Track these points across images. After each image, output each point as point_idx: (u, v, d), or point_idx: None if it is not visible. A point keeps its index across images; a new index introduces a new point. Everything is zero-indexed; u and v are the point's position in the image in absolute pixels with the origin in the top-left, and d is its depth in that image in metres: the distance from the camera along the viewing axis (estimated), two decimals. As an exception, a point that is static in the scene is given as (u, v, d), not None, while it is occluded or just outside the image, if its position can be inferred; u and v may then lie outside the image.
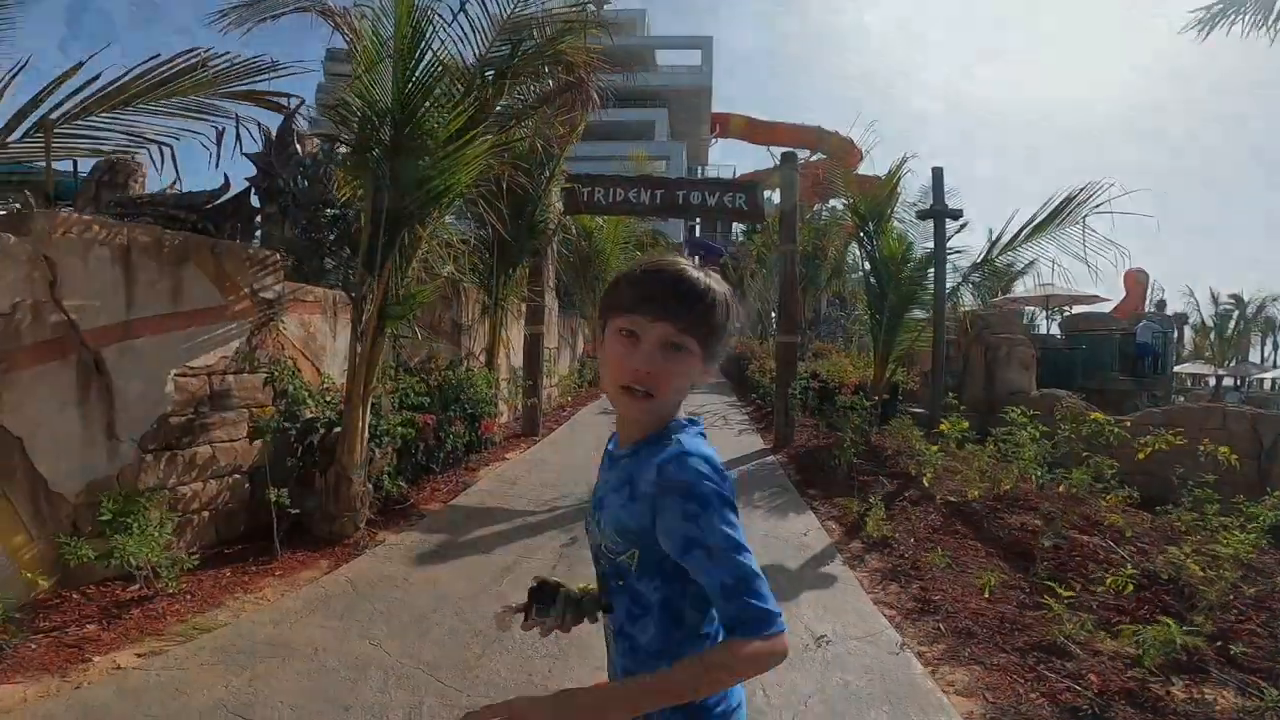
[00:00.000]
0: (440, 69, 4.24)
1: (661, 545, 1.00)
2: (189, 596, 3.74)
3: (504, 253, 8.13)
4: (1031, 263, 9.74)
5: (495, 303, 8.16)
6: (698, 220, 44.01)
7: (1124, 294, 27.23)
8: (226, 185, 6.19)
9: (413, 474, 6.04)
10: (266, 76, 3.85)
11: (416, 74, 4.16)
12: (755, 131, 38.45)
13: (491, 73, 4.74)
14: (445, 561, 4.41)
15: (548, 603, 1.20)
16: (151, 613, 3.52)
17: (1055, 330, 25.35)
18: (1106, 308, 22.69)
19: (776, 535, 5.08)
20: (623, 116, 35.96)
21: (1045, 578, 4.06)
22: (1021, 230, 8.42)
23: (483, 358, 8.49)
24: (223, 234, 5.79)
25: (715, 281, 1.04)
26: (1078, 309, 22.37)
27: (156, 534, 3.64)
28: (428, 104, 4.27)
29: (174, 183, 8.29)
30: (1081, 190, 7.87)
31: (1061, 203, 8.08)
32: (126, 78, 3.41)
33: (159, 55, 3.46)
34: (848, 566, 4.45)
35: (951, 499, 5.53)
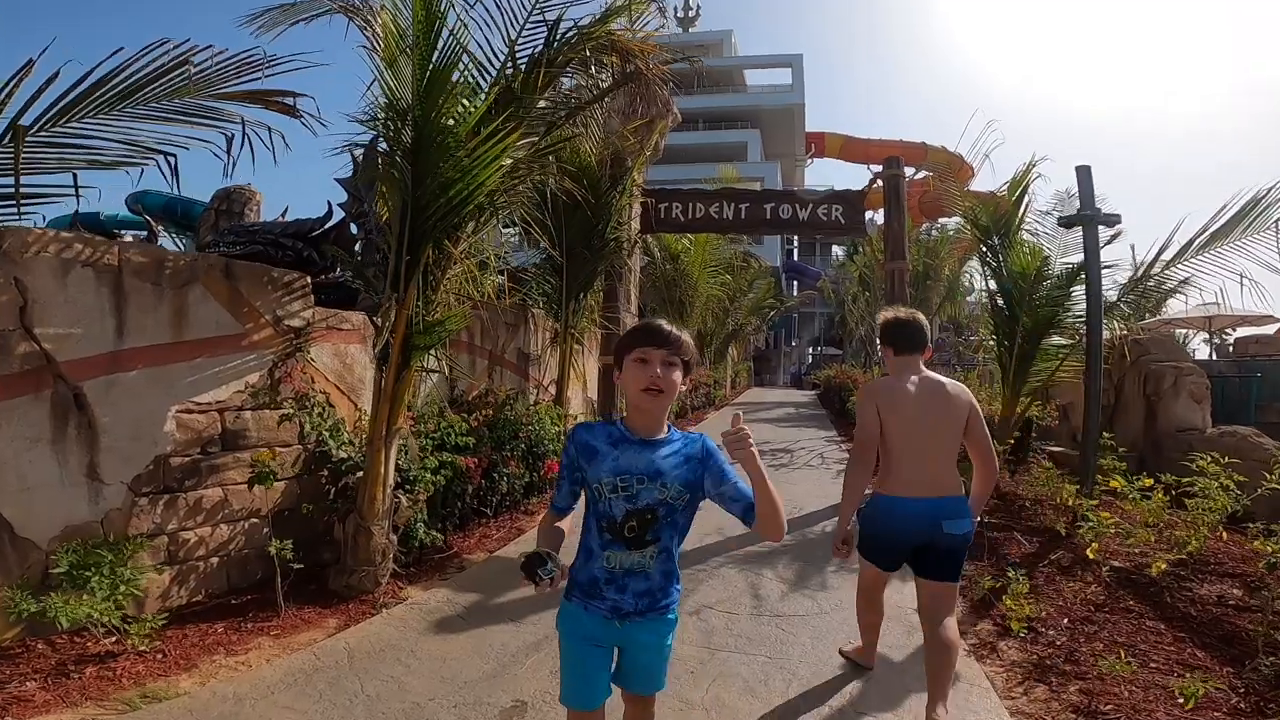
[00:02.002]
0: (459, 51, 3.68)
1: (705, 485, 1.76)
2: (161, 656, 3.25)
3: (573, 276, 7.54)
4: (1185, 280, 8.13)
5: (565, 330, 7.56)
6: (795, 242, 42.75)
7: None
8: (330, 213, 6.06)
9: (460, 518, 5.45)
10: (259, 75, 3.42)
11: (433, 61, 3.61)
12: (853, 150, 36.81)
13: (525, 59, 4.15)
14: (466, 630, 3.70)
15: (542, 562, 1.58)
16: (107, 673, 3.03)
17: (1210, 355, 22.02)
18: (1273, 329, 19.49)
19: (879, 609, 4.03)
20: (714, 139, 35.67)
21: (1272, 676, 2.87)
22: (1195, 239, 6.90)
23: (552, 390, 7.90)
24: (325, 260, 5.66)
25: (683, 331, 1.79)
26: (1243, 331, 19.35)
27: (123, 588, 3.15)
28: (445, 93, 3.71)
29: (284, 211, 8.39)
30: (1272, 189, 6.34)
31: (1247, 204, 6.54)
32: (91, 79, 3.04)
33: (122, 49, 3.07)
34: (974, 658, 3.36)
35: (1115, 563, 4.26)
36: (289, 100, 3.65)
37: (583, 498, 1.84)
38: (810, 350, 42.85)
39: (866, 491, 2.88)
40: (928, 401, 2.73)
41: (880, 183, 8.93)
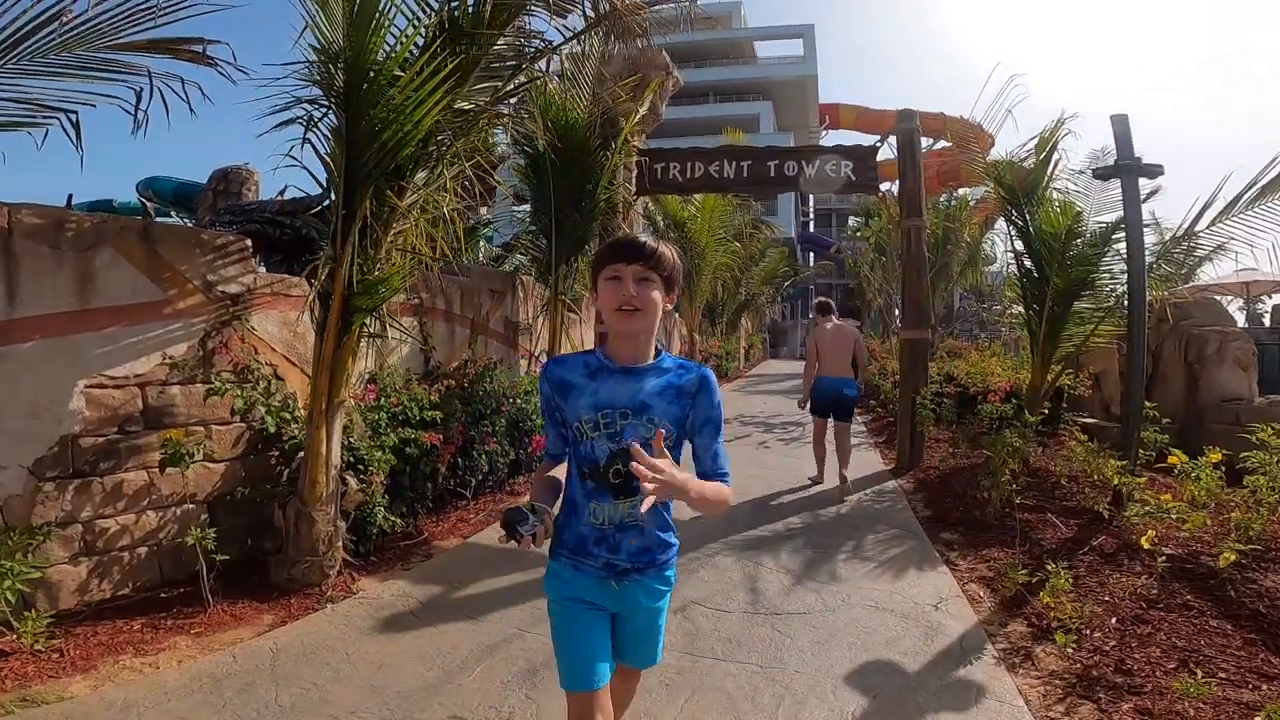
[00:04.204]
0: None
1: (687, 423, 1.56)
2: (58, 655, 2.87)
3: (564, 239, 7.01)
4: (1221, 246, 7.43)
5: (555, 296, 7.04)
6: (811, 213, 41.64)
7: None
8: (329, 189, 5.72)
9: (435, 501, 5.00)
10: (156, 21, 2.98)
11: (362, -4, 3.10)
12: (868, 122, 35.49)
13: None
14: (415, 629, 3.24)
15: (523, 517, 1.35)
16: (-11, 674, 2.64)
17: (1245, 323, 20.93)
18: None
19: (891, 605, 3.51)
20: (725, 111, 34.65)
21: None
22: (1243, 193, 6.20)
23: (544, 360, 7.41)
24: (325, 237, 5.44)
25: (660, 243, 1.53)
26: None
27: (9, 582, 2.73)
28: (373, 25, 3.19)
29: (283, 190, 8.17)
30: None
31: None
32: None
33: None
34: (1004, 667, 2.83)
35: (1168, 550, 3.69)
36: (197, 48, 3.17)
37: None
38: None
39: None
40: (834, 335, 6.16)
41: (893, 139, 8.29)
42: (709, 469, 1.56)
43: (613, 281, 1.49)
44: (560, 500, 1.56)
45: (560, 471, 1.60)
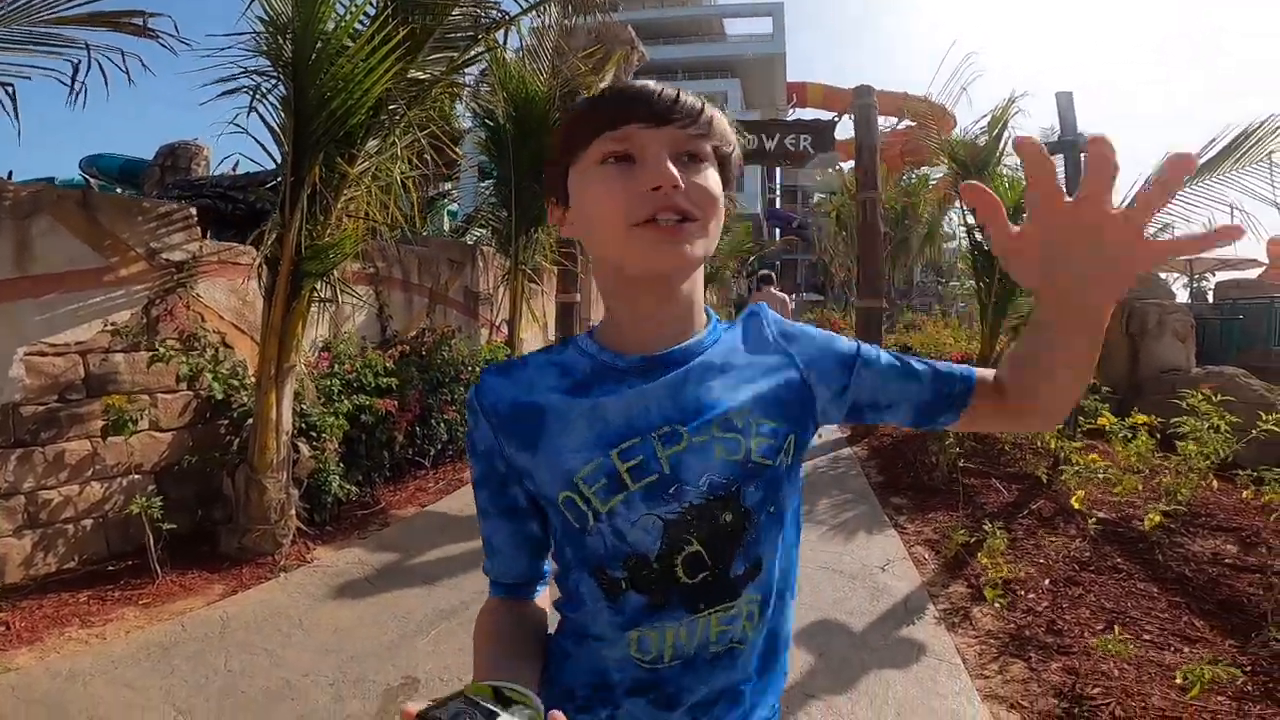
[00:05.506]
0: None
1: (831, 377, 0.76)
2: (2, 629, 2.84)
3: (524, 210, 6.93)
4: (1164, 226, 7.74)
5: (515, 266, 6.98)
6: (778, 190, 41.86)
7: (1267, 264, 22.87)
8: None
9: (392, 469, 4.98)
10: None
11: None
12: (835, 100, 35.61)
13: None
14: (369, 596, 3.26)
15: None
16: (-71, 651, 2.61)
17: (1189, 299, 21.71)
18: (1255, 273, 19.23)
19: (841, 567, 3.62)
20: (693, 88, 34.06)
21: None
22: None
23: (505, 330, 7.37)
24: (281, 211, 5.36)
25: (701, 97, 0.75)
26: (1223, 275, 19.11)
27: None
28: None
29: (235, 165, 7.90)
30: (1265, 121, 5.89)
31: (1237, 137, 6.07)
32: None
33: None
34: (944, 626, 2.96)
35: (1101, 514, 3.87)
36: (138, 21, 3.10)
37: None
38: (792, 297, 42.62)
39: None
40: (768, 299, 7.06)
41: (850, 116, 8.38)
42: (948, 375, 0.78)
43: (617, 166, 0.68)
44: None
45: (542, 603, 0.83)
